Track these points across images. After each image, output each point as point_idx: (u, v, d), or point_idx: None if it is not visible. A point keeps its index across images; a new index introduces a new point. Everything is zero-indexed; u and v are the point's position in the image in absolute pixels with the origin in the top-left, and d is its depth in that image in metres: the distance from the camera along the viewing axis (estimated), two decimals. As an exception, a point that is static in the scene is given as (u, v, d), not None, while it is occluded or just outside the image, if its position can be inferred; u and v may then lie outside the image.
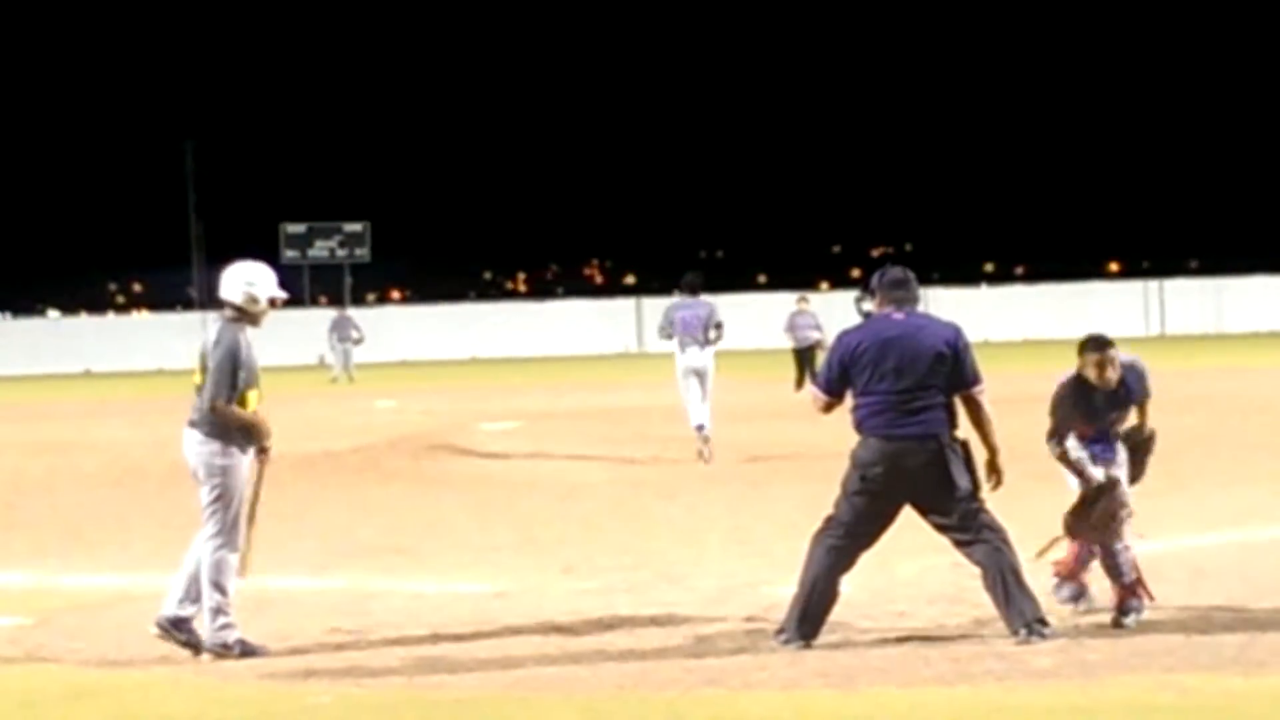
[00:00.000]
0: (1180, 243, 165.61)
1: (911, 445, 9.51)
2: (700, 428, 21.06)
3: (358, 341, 49.50)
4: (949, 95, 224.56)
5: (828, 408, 9.88)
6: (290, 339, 66.10)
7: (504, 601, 11.44)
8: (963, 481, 9.52)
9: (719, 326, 21.47)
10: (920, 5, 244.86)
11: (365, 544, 14.78)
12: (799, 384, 33.55)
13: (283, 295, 10.48)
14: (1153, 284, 70.45)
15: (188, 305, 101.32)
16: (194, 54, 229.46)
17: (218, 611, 10.00)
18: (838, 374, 9.75)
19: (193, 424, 10.21)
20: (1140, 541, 10.51)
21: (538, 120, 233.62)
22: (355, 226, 74.16)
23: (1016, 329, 64.31)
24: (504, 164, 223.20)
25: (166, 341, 67.86)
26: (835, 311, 35.93)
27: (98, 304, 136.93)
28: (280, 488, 19.36)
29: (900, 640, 9.67)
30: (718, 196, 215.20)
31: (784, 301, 67.65)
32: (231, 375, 10.05)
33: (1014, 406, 12.39)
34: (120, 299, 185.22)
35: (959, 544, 9.65)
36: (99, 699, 8.94)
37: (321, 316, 59.70)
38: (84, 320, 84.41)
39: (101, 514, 17.54)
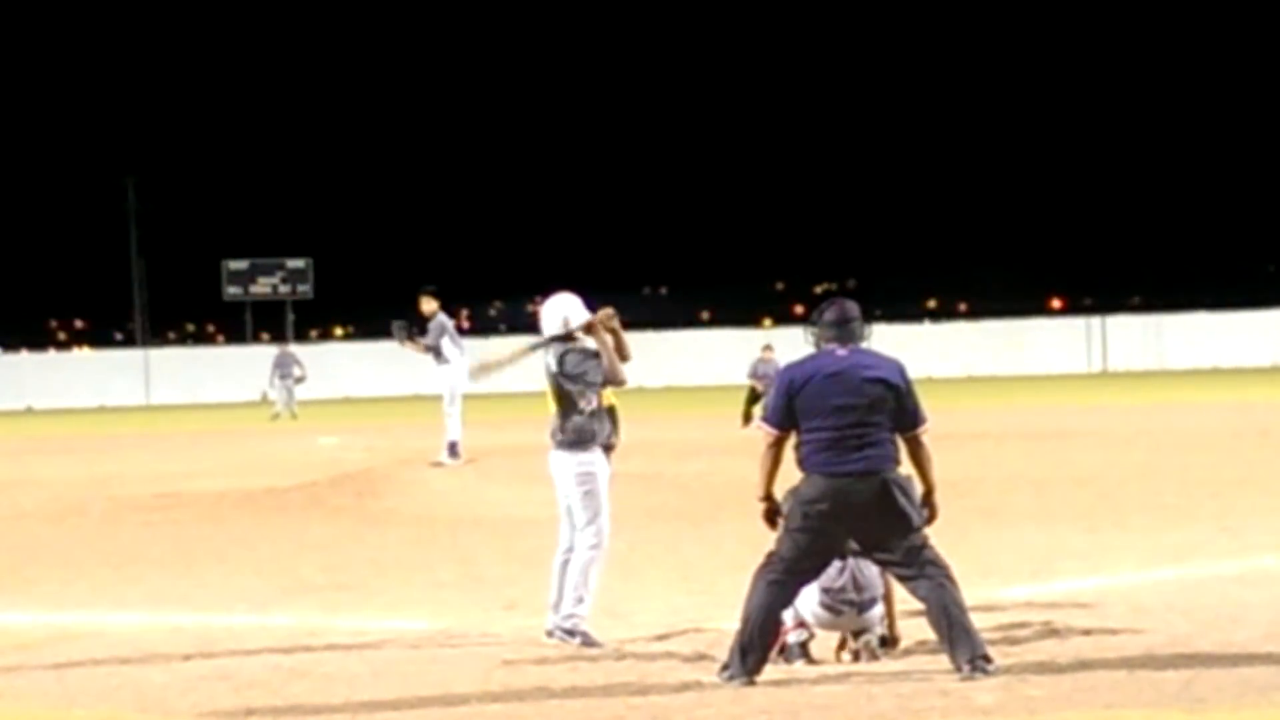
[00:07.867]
0: (1122, 279, 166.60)
1: (855, 481, 9.48)
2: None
3: (299, 379, 49.36)
4: (891, 133, 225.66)
5: (777, 443, 9.77)
6: (232, 375, 66.08)
7: (447, 638, 11.39)
8: (907, 517, 9.51)
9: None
10: (862, 45, 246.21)
11: (308, 581, 14.71)
12: (745, 420, 33.50)
13: (585, 319, 11.28)
14: (1094, 320, 70.89)
15: (129, 342, 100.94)
16: (135, 91, 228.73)
17: (578, 601, 11.14)
18: (784, 409, 9.68)
19: (559, 443, 11.41)
20: None
21: (480, 157, 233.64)
22: (298, 263, 74.04)
23: (959, 366, 64.56)
24: (446, 200, 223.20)
25: (108, 378, 67.74)
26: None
27: (38, 340, 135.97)
28: (223, 524, 19.40)
29: (844, 676, 9.66)
30: (661, 233, 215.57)
31: (727, 338, 68.30)
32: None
33: (957, 443, 12.43)
34: (61, 335, 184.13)
35: (903, 579, 9.64)
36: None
37: (264, 353, 59.47)
38: (24, 357, 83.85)
39: (42, 552, 17.41)
